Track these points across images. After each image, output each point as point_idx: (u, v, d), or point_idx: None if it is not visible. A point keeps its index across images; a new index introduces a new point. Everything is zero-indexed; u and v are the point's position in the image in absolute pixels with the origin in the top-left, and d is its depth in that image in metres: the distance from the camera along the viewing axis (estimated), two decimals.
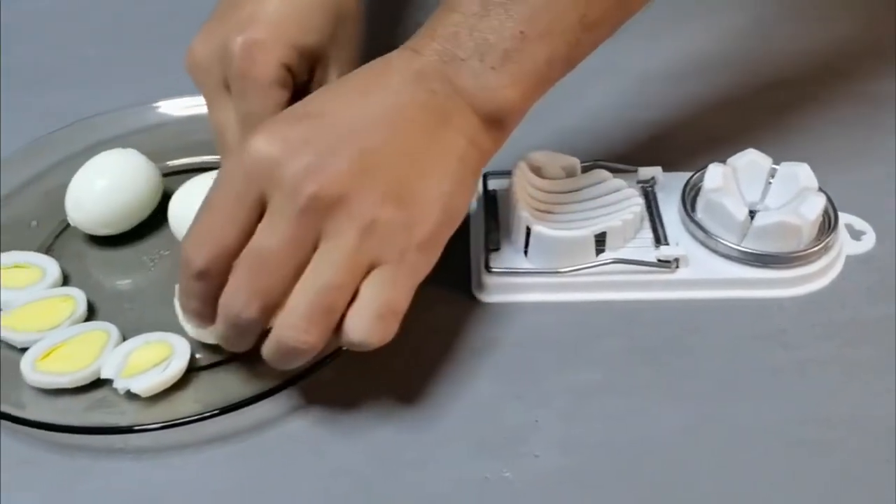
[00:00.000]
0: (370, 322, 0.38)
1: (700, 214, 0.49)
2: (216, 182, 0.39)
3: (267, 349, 0.39)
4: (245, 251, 0.38)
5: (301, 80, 0.48)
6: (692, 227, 0.49)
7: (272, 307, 0.38)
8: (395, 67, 0.40)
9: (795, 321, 0.47)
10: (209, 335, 0.44)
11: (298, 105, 0.40)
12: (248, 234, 0.38)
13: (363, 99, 0.39)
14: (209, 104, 0.49)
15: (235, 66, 0.46)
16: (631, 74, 0.64)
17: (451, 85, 0.40)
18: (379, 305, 0.38)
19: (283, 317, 0.38)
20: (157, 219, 0.53)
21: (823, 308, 0.47)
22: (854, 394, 0.44)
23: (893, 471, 0.40)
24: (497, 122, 0.41)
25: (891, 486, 0.40)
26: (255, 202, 0.37)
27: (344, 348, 0.42)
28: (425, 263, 0.40)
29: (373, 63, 0.41)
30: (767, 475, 0.41)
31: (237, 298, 0.38)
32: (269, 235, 0.37)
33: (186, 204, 0.49)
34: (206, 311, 0.40)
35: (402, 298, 0.39)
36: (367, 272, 0.38)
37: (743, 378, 0.44)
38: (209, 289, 0.39)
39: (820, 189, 0.48)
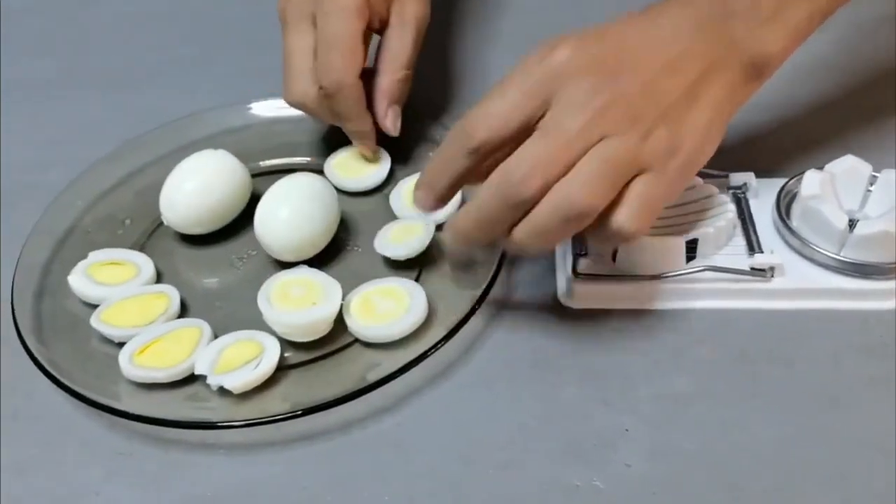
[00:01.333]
0: (636, 210, 0.41)
1: (796, 222, 0.48)
2: (509, 75, 0.42)
3: (537, 218, 0.41)
4: (538, 130, 0.41)
5: (379, 15, 0.54)
6: (787, 235, 0.47)
7: (550, 184, 0.40)
8: (675, 15, 0.43)
9: (894, 333, 0.45)
10: (309, 332, 0.46)
11: (597, 28, 0.43)
12: (528, 127, 0.41)
13: (649, 35, 0.43)
14: (289, 30, 0.54)
15: None
16: None
17: (727, 36, 0.43)
18: (644, 199, 0.41)
19: (567, 180, 0.40)
20: (245, 219, 0.54)
21: None
22: None
23: None
24: (756, 75, 0.44)
25: None
26: (543, 102, 0.41)
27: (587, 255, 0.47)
28: (680, 183, 0.43)
29: (651, 8, 0.44)
30: (866, 489, 0.40)
31: (520, 168, 0.40)
32: (560, 122, 0.41)
33: (271, 208, 0.50)
34: (451, 191, 0.44)
35: (660, 202, 0.42)
36: (634, 177, 0.41)
37: (841, 390, 0.43)
38: (471, 165, 0.42)
39: None
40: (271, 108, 0.60)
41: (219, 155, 0.53)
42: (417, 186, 0.45)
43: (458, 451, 0.42)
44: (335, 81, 0.51)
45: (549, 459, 0.42)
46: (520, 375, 0.45)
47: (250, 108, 0.60)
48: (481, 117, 0.42)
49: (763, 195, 0.50)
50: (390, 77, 0.54)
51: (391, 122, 0.54)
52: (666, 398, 0.44)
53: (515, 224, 0.42)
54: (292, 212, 0.50)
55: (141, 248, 0.53)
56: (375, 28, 0.54)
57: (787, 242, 0.48)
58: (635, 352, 0.46)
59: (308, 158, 0.58)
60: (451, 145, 0.43)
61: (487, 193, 0.41)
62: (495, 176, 0.41)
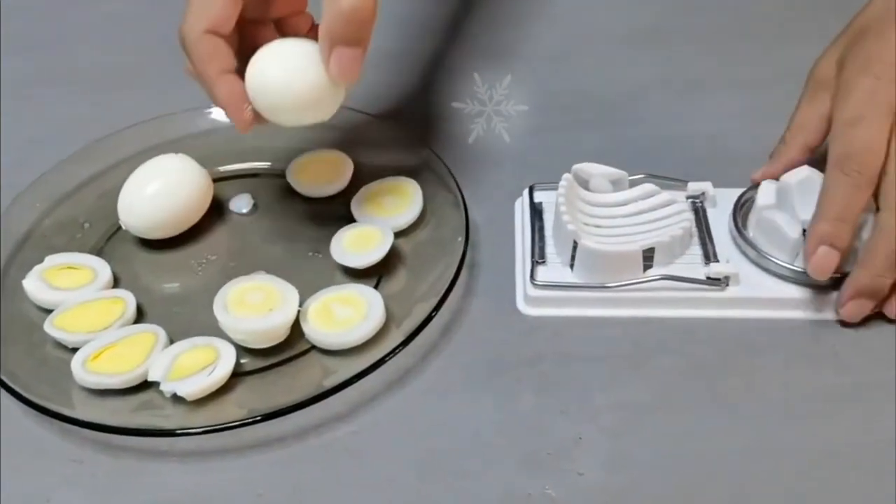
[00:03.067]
0: None
1: (752, 232, 0.48)
2: (851, 101, 0.46)
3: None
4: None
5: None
6: (744, 244, 0.48)
7: None
8: None
9: (849, 344, 0.46)
10: (266, 339, 0.45)
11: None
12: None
13: None
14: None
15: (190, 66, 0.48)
16: (684, 86, 0.63)
17: None
18: None
19: None
20: (205, 223, 0.54)
21: (878, 332, 0.46)
22: None
23: None
24: None
25: None
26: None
27: None
28: None
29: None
30: (820, 500, 0.40)
31: None
32: None
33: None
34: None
35: None
36: None
37: (796, 400, 0.44)
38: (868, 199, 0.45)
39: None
40: None
41: (179, 158, 0.53)
42: (819, 243, 0.45)
43: (414, 459, 0.42)
44: (180, 32, 0.47)
45: (504, 468, 0.42)
46: (477, 383, 0.45)
47: (212, 113, 0.59)
48: (864, 150, 0.44)
49: (721, 204, 0.50)
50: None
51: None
52: (623, 407, 0.44)
53: None
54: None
55: (99, 252, 0.53)
56: None
57: (743, 252, 0.48)
58: (593, 360, 0.46)
59: (270, 163, 0.58)
60: (840, 187, 0.44)
61: (886, 225, 0.44)
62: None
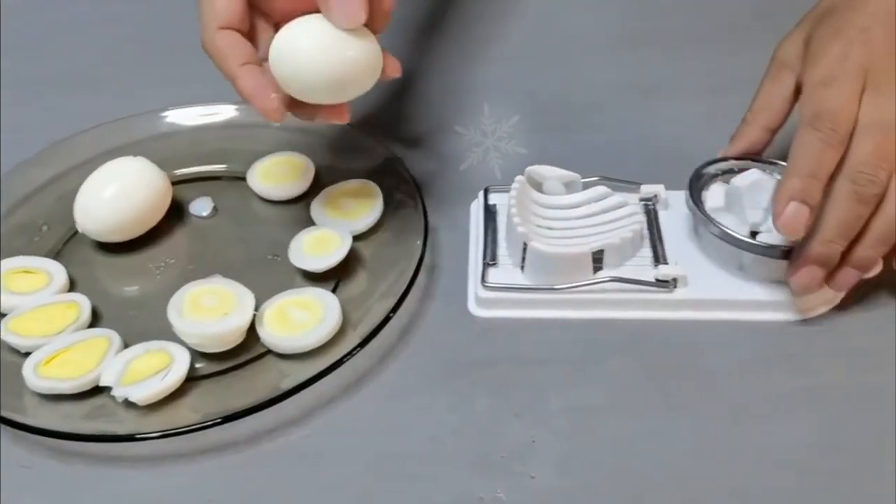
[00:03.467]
0: None
1: (700, 234, 0.48)
2: (821, 67, 0.45)
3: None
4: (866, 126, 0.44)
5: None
6: (695, 246, 0.48)
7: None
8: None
9: (801, 345, 0.46)
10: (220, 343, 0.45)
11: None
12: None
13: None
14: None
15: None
16: (641, 90, 0.63)
17: None
18: None
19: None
20: (165, 227, 0.54)
21: (828, 332, 0.47)
22: (860, 421, 0.43)
23: None
24: None
25: None
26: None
27: None
28: None
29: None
30: (770, 502, 0.40)
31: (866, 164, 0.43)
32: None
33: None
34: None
35: None
36: None
37: (746, 402, 0.44)
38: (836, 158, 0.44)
39: None
40: (192, 115, 0.59)
41: (137, 161, 0.53)
42: (790, 199, 0.44)
43: (368, 463, 0.43)
44: (201, 42, 0.47)
45: (457, 471, 0.42)
46: (433, 387, 0.45)
47: (171, 116, 0.59)
48: (836, 109, 0.43)
49: (674, 206, 0.51)
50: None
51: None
52: (576, 410, 0.44)
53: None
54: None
55: (57, 256, 0.52)
56: None
57: (693, 253, 0.48)
58: (548, 363, 0.46)
59: (231, 166, 0.58)
60: (812, 144, 0.43)
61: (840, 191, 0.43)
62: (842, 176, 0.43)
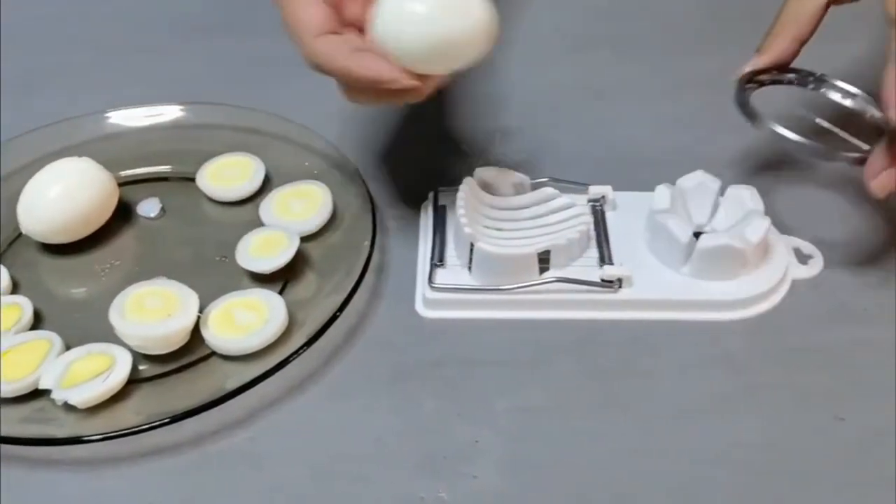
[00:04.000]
0: None
1: (648, 235, 0.49)
2: None
3: None
4: None
5: None
6: (641, 247, 0.49)
7: None
8: None
9: (742, 345, 0.47)
10: (163, 345, 0.45)
11: None
12: None
13: None
14: None
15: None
16: (592, 92, 0.64)
17: None
18: None
19: None
20: (112, 228, 0.53)
21: (769, 332, 0.47)
22: (798, 420, 0.44)
23: (839, 501, 0.40)
24: None
25: None
26: None
27: None
28: None
29: None
30: (712, 501, 0.41)
31: None
32: None
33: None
34: None
35: None
36: None
37: (689, 402, 0.44)
38: None
39: (766, 212, 0.48)
40: (138, 116, 0.59)
41: (82, 162, 0.52)
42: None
43: (312, 465, 0.42)
44: (304, 57, 0.43)
45: (400, 473, 0.42)
46: (378, 388, 0.45)
47: (117, 117, 0.59)
48: None
49: (622, 207, 0.51)
50: None
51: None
52: (521, 410, 0.44)
53: None
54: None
55: (0, 258, 0.52)
56: None
57: (639, 254, 0.49)
58: (493, 364, 0.46)
59: (179, 167, 0.57)
60: None
61: None
62: None
